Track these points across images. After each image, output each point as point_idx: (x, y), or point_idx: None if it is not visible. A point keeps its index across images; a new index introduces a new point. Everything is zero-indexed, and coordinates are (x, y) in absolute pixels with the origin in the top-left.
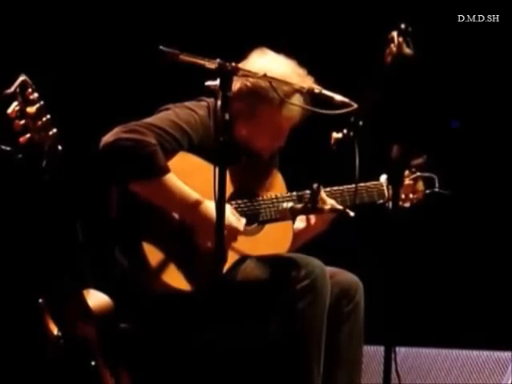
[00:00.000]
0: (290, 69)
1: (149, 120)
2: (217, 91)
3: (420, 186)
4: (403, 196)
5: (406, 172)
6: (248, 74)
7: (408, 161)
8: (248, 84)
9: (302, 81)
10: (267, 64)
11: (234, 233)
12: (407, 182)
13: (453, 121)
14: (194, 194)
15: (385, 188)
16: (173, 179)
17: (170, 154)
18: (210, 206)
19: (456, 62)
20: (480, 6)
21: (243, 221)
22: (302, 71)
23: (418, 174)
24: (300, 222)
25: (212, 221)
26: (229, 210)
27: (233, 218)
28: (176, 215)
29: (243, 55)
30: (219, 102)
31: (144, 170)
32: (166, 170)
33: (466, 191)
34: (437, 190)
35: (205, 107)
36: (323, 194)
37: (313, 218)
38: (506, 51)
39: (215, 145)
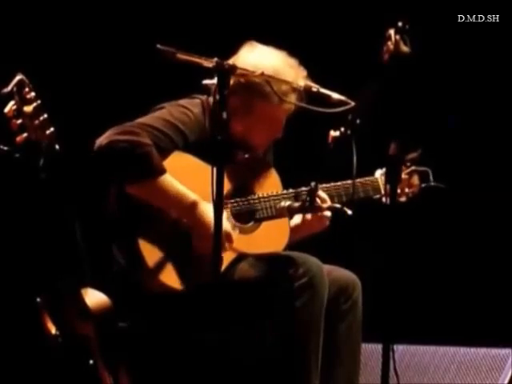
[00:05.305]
0: (281, 61)
1: (142, 120)
2: (214, 89)
3: (415, 180)
4: (399, 191)
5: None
6: (245, 73)
7: (403, 155)
8: (242, 79)
9: (295, 72)
10: (258, 58)
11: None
12: (403, 176)
13: (450, 120)
14: (190, 195)
15: (380, 183)
16: (169, 179)
17: (166, 153)
18: (206, 209)
19: (452, 59)
20: (480, 6)
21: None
22: (293, 62)
23: (413, 168)
24: (297, 218)
25: (208, 224)
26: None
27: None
28: (173, 215)
29: (233, 50)
30: (213, 99)
31: (140, 171)
32: (163, 171)
33: (463, 184)
34: (432, 183)
35: (199, 105)
36: (320, 192)
37: (308, 215)
38: (506, 51)
39: (211, 143)
